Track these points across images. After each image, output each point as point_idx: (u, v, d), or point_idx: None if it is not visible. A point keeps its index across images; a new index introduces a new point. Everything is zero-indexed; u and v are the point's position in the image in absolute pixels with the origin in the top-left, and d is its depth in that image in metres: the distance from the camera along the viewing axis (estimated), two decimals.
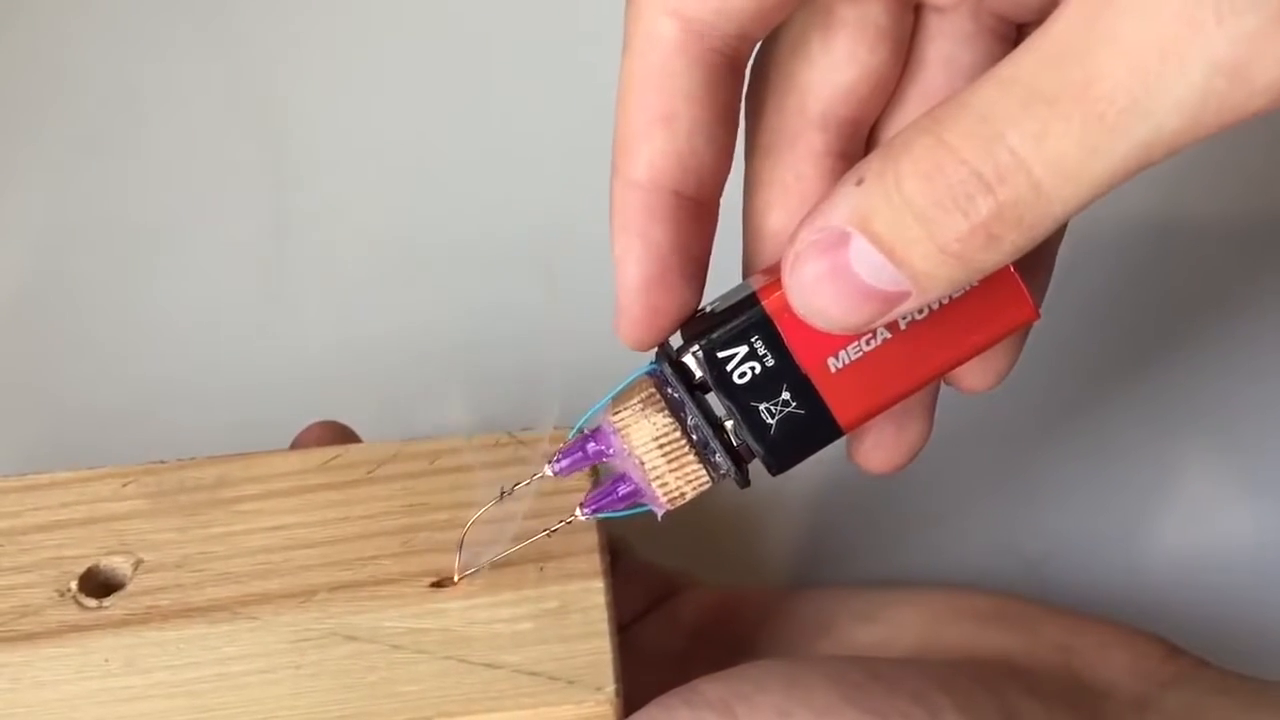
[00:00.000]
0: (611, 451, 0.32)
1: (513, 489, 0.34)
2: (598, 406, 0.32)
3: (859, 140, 0.33)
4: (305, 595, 0.34)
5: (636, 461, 0.31)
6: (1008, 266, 0.28)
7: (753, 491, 0.33)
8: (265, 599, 0.34)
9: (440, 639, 0.33)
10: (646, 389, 0.31)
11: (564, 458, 0.32)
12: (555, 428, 0.37)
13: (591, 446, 0.32)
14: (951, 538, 0.44)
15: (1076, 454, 0.45)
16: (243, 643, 0.33)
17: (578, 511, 0.33)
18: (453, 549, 0.34)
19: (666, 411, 0.31)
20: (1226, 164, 0.50)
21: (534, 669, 0.33)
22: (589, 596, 0.34)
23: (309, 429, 0.39)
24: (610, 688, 0.33)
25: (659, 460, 0.31)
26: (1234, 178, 0.50)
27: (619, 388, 0.32)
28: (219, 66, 0.55)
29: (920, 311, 0.30)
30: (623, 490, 0.32)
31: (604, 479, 0.33)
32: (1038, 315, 0.31)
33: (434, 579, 0.34)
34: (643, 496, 0.32)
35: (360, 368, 0.48)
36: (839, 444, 0.32)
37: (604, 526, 0.36)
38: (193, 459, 0.37)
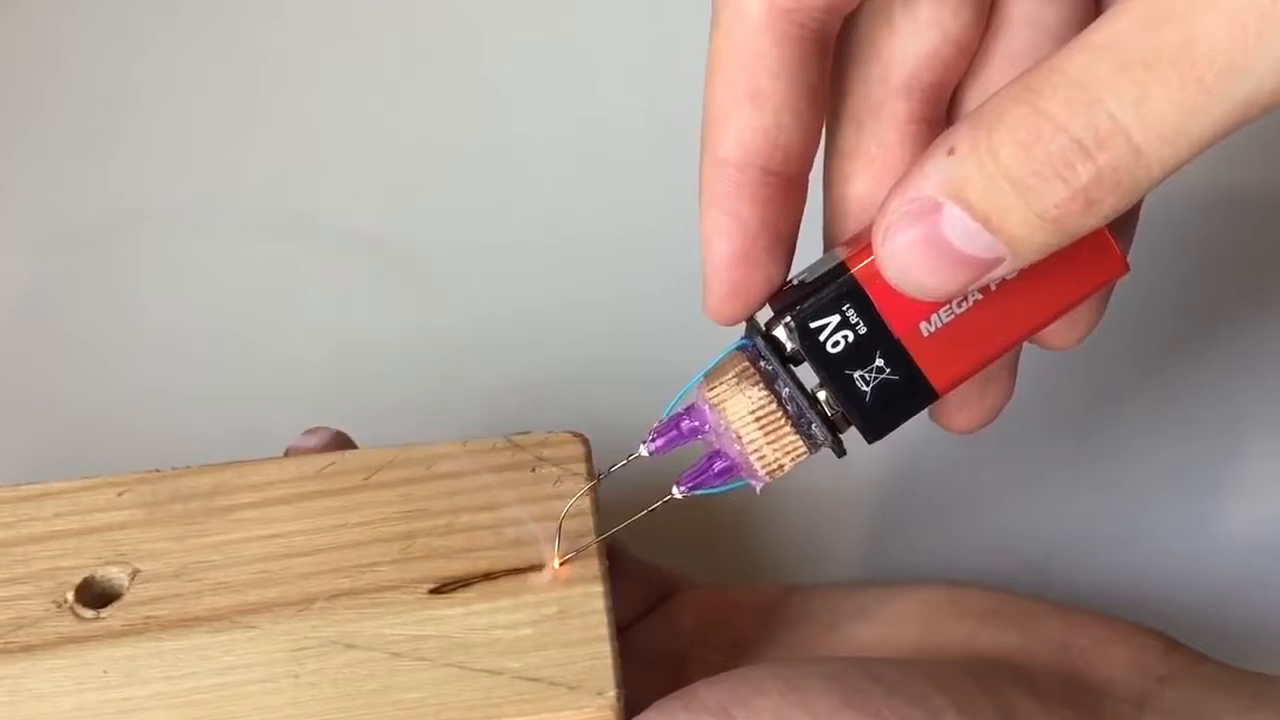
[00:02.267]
0: (706, 428, 0.32)
1: (609, 472, 0.34)
2: (690, 385, 0.32)
3: (942, 105, 0.33)
4: (304, 603, 0.34)
5: (733, 436, 0.32)
6: None
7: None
8: (264, 608, 0.34)
9: (440, 646, 0.33)
10: (740, 364, 0.32)
11: (659, 437, 0.33)
12: (550, 431, 0.37)
13: (686, 424, 0.32)
14: (951, 538, 0.44)
15: (1076, 454, 0.45)
16: (242, 652, 0.33)
17: (674, 490, 0.33)
18: (452, 554, 0.35)
19: (761, 385, 0.31)
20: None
21: (534, 675, 0.33)
22: (589, 601, 0.34)
23: (304, 435, 0.38)
24: (611, 692, 0.32)
25: (756, 433, 0.31)
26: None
27: (710, 365, 0.32)
28: (219, 66, 0.55)
29: (1011, 273, 0.30)
30: (718, 466, 0.32)
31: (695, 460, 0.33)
32: (1128, 269, 0.31)
33: (433, 585, 0.34)
34: (739, 471, 0.32)
35: (355, 373, 0.48)
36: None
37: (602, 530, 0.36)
38: (188, 467, 0.37)
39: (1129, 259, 0.31)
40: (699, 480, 0.33)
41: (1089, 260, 0.31)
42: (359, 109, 0.55)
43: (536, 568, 0.35)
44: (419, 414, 0.46)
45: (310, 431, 0.38)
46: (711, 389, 0.32)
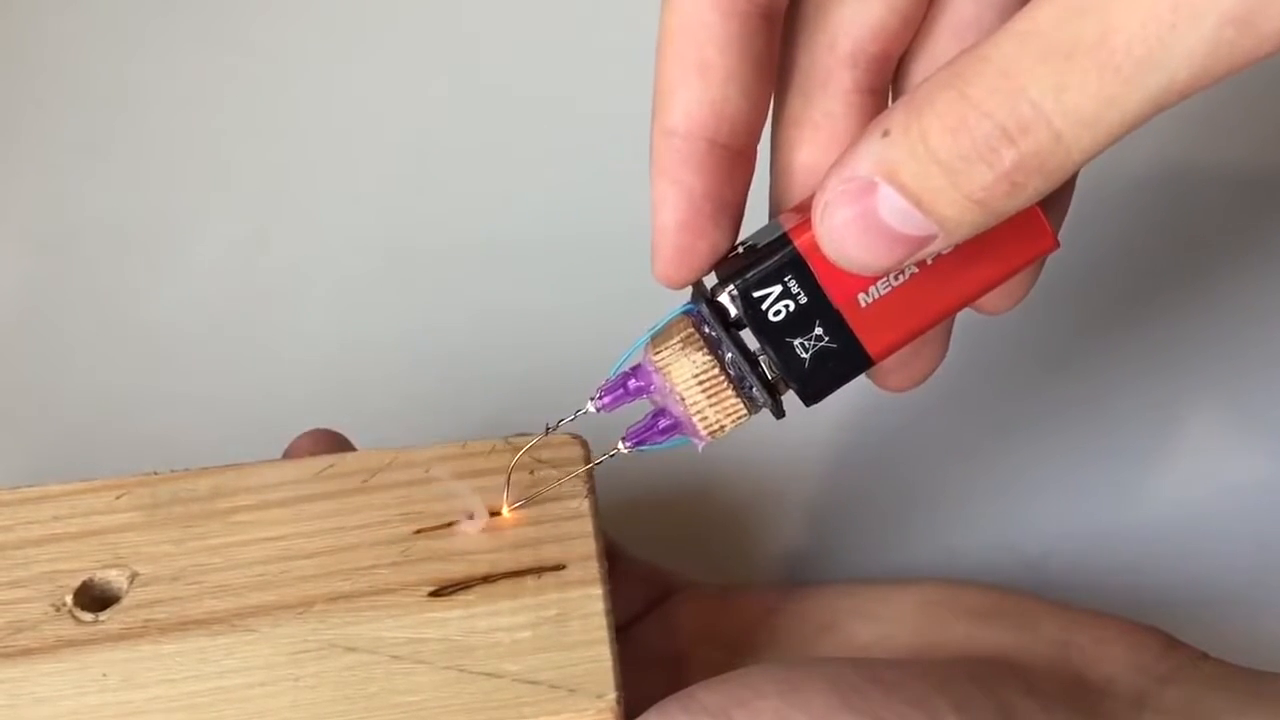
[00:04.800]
0: (653, 388, 0.33)
1: (558, 424, 0.34)
2: (637, 345, 0.33)
3: (887, 75, 0.33)
4: (303, 606, 0.34)
5: (677, 397, 0.32)
6: None
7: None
8: (263, 611, 0.34)
9: (440, 649, 0.33)
10: (685, 328, 0.32)
11: (606, 394, 0.33)
12: (548, 430, 0.37)
13: (633, 383, 0.33)
14: (951, 537, 0.44)
15: (1077, 452, 0.45)
16: (241, 655, 0.33)
17: (620, 445, 0.34)
18: (451, 556, 0.35)
19: (705, 349, 0.32)
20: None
21: (534, 677, 0.33)
22: (588, 604, 0.34)
23: (302, 438, 0.38)
24: (611, 695, 0.32)
25: (699, 396, 0.32)
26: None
27: (656, 326, 0.33)
28: (218, 66, 0.55)
29: (944, 249, 0.30)
30: (663, 424, 0.33)
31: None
32: (1058, 245, 0.32)
33: (433, 588, 0.34)
34: (682, 430, 0.33)
35: (355, 374, 0.48)
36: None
37: (601, 532, 0.35)
38: (186, 470, 0.37)
39: (1061, 235, 0.32)
40: (644, 436, 0.34)
41: (1021, 236, 0.31)
42: (359, 108, 0.55)
43: (536, 570, 0.35)
44: (418, 415, 0.46)
45: (309, 434, 0.38)
46: (657, 353, 0.32)
